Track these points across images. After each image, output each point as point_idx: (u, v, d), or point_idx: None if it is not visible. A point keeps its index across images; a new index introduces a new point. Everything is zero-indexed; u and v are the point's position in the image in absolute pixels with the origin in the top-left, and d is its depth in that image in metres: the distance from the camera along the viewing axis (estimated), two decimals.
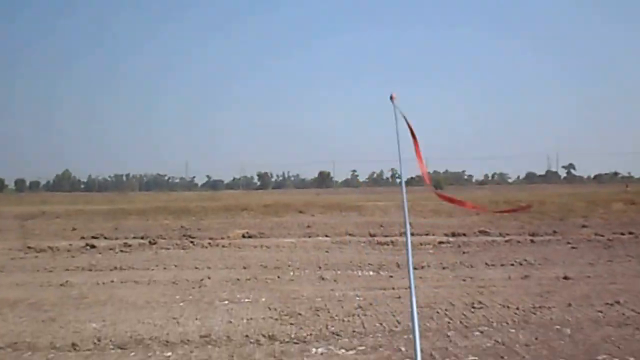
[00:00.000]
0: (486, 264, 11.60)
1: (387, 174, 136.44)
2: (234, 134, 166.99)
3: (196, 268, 11.12)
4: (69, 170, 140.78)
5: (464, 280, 9.85)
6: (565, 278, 9.92)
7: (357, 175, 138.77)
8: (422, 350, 5.72)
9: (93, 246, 14.74)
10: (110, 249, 14.38)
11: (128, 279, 9.91)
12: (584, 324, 6.74)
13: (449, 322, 6.81)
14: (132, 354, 5.77)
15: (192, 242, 15.50)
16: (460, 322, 6.83)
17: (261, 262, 11.90)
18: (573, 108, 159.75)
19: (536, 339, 6.15)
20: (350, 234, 17.34)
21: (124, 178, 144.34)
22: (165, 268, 11.17)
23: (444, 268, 11.20)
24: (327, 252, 13.80)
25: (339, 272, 10.70)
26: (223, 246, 14.84)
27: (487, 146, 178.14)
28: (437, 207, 21.22)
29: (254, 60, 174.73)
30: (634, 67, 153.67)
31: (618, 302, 7.81)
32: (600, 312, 7.32)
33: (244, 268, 11.11)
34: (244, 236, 17.05)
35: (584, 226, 18.51)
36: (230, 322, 6.87)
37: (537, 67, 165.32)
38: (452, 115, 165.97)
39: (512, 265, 11.54)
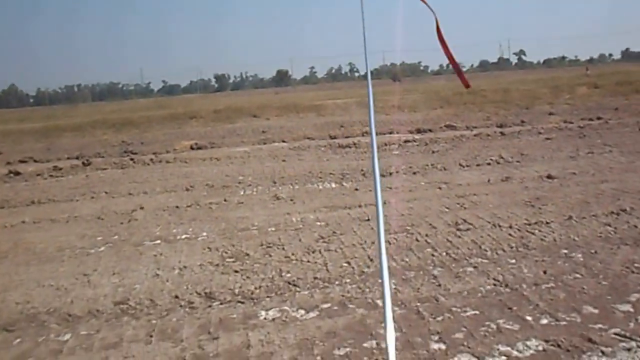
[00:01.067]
0: (460, 165, 10.09)
1: (346, 69, 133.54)
2: (188, 38, 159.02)
3: (130, 194, 9.28)
4: (14, 84, 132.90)
5: (439, 188, 8.32)
6: (550, 177, 8.52)
7: (315, 72, 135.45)
8: (404, 304, 4.21)
9: (18, 173, 12.67)
10: (38, 175, 12.36)
11: (44, 216, 8.03)
12: (595, 245, 5.28)
13: (432, 255, 5.27)
14: (17, 340, 4.08)
15: (132, 159, 13.54)
16: (447, 252, 5.30)
17: (208, 179, 10.14)
18: None
19: (544, 272, 4.67)
20: (309, 138, 15.63)
21: (76, 89, 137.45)
22: (93, 197, 9.29)
23: (414, 173, 9.66)
24: (283, 160, 12.11)
25: (296, 187, 9.05)
26: (167, 162, 12.98)
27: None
28: (399, 102, 19.55)
29: None
30: None
31: (624, 210, 6.38)
32: (609, 225, 5.88)
33: (187, 190, 9.34)
34: (192, 148, 15.17)
35: (551, 113, 17.17)
36: (157, 274, 5.19)
37: None
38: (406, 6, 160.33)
39: (489, 164, 10.07)
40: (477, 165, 10.03)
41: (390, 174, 9.63)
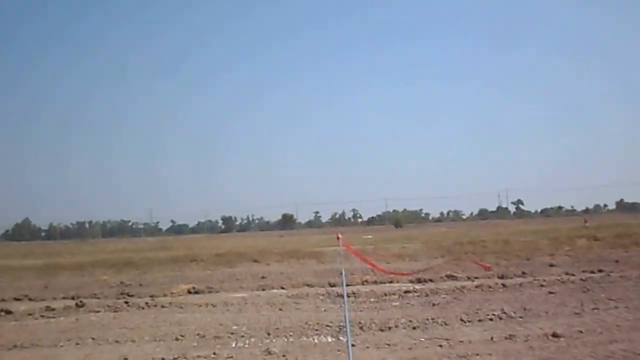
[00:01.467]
0: (461, 320, 9.62)
1: (349, 214, 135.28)
2: (197, 180, 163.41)
3: (117, 342, 8.78)
4: (28, 218, 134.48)
5: (440, 345, 7.84)
6: (555, 336, 8.07)
7: (319, 217, 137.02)
8: None
9: (9, 312, 12.22)
10: (29, 314, 11.92)
11: None
12: None
13: None
14: None
15: (127, 302, 13.08)
16: None
17: (200, 328, 9.64)
18: (519, 148, 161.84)
19: None
20: (308, 284, 15.23)
21: (87, 225, 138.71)
22: (78, 344, 8.79)
23: (414, 328, 9.18)
24: (280, 309, 11.65)
25: (291, 340, 8.56)
26: (162, 306, 12.52)
27: (441, 185, 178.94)
28: (400, 250, 19.35)
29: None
30: (575, 106, 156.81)
31: None
32: None
33: (177, 339, 8.83)
34: (189, 292, 14.75)
35: (552, 265, 16.88)
36: None
37: (488, 111, 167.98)
38: (412, 157, 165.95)
39: (491, 319, 9.60)
40: (479, 320, 9.56)
41: (390, 328, 9.16)
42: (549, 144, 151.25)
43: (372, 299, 12.66)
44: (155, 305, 12.75)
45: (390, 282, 15.21)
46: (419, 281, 15.11)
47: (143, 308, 12.62)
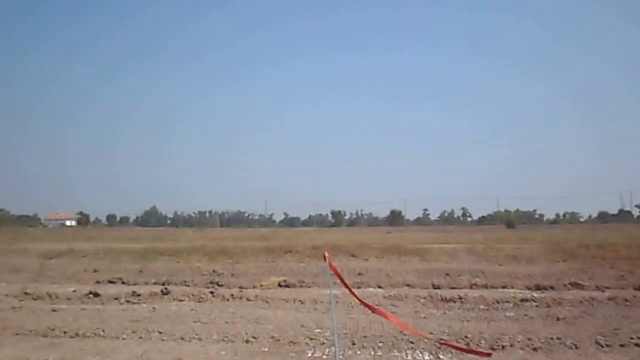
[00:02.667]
0: (597, 342, 7.42)
1: (458, 213, 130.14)
2: (308, 175, 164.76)
3: (182, 339, 7.54)
4: (156, 206, 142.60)
5: None
6: None
7: (428, 214, 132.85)
8: None
9: (97, 294, 11.56)
10: (115, 299, 11.18)
11: (71, 356, 6.47)
12: None
13: None
14: None
15: (212, 293, 11.97)
16: None
17: (279, 328, 8.22)
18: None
19: None
20: (408, 285, 13.40)
21: (207, 215, 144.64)
22: (142, 337, 7.66)
23: (535, 349, 7.14)
24: (372, 313, 9.97)
25: (378, 354, 6.89)
26: (248, 299, 11.29)
27: (557, 185, 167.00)
28: (515, 251, 16.87)
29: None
30: None
31: None
32: None
33: (247, 341, 7.44)
34: (280, 285, 13.46)
35: None
36: None
37: (616, 105, 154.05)
38: (522, 154, 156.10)
39: (637, 345, 7.31)
40: (621, 345, 7.31)
41: (503, 347, 7.19)
42: None
43: (482, 306, 10.64)
44: (240, 298, 11.56)
45: (504, 287, 13.01)
46: (537, 288, 12.80)
47: (228, 300, 11.48)
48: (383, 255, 16.87)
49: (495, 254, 16.35)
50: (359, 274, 14.62)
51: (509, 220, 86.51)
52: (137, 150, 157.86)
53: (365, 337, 7.78)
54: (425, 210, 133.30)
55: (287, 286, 13.37)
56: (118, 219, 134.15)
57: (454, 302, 11.10)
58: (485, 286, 13.24)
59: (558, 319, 9.16)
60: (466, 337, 7.82)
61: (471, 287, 13.12)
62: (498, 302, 10.85)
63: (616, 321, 8.88)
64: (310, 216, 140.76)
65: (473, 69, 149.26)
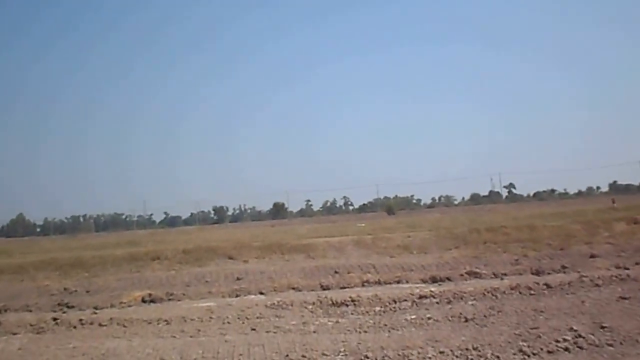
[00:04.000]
0: (521, 351, 6.13)
1: (340, 202, 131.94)
2: (189, 171, 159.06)
3: None
4: (22, 213, 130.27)
5: None
6: None
7: (311, 205, 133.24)
8: None
9: None
10: None
11: None
12: None
13: None
14: None
15: (55, 320, 9.46)
16: None
17: None
18: (508, 129, 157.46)
19: None
20: (294, 288, 11.75)
21: (81, 219, 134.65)
22: None
23: None
24: (253, 329, 8.14)
25: None
26: (101, 324, 9.06)
27: (432, 170, 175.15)
28: (405, 240, 15.76)
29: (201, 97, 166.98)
30: (565, 83, 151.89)
31: None
32: None
33: None
34: (144, 300, 11.24)
35: (593, 256, 13.45)
36: None
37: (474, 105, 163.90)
38: (399, 142, 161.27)
39: (567, 350, 6.14)
40: (549, 352, 6.09)
41: None
42: (537, 125, 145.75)
43: (378, 308, 9.21)
44: (91, 324, 9.26)
45: (398, 281, 11.76)
46: (434, 280, 11.69)
47: (74, 327, 9.16)
48: (264, 254, 15.04)
49: (385, 245, 15.14)
50: (238, 279, 12.73)
51: (389, 207, 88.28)
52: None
53: None
54: (308, 201, 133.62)
55: (152, 301, 11.21)
56: None
57: (347, 305, 9.57)
58: (379, 282, 11.92)
59: (466, 320, 7.90)
60: (366, 356, 6.26)
61: (363, 285, 11.77)
62: (395, 302, 9.51)
63: (530, 318, 7.76)
64: (192, 214, 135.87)
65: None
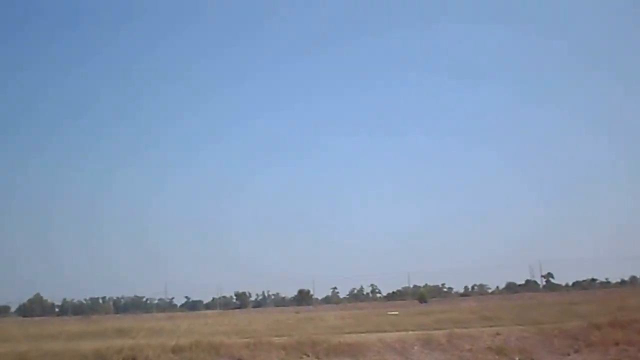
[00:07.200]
0: None
1: (368, 289, 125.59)
2: (211, 256, 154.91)
3: None
4: (39, 293, 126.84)
5: None
6: None
7: (337, 292, 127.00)
8: None
9: None
10: None
11: None
12: None
13: None
14: None
15: None
16: None
17: None
18: (546, 218, 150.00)
19: None
20: None
21: (100, 301, 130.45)
22: None
23: None
24: None
25: None
26: None
27: (464, 258, 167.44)
28: (495, 340, 10.77)
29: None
30: (599, 170, 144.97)
31: None
32: None
33: None
34: None
35: None
36: None
37: (509, 182, 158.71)
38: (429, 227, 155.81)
39: None
40: None
41: None
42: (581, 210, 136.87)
43: None
44: None
45: None
46: None
47: None
48: (290, 356, 10.12)
49: (469, 347, 10.14)
50: None
51: (421, 295, 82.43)
52: (17, 230, 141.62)
53: None
54: (334, 288, 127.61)
55: None
56: None
57: None
58: None
59: None
60: None
61: None
62: None
63: None
64: (213, 299, 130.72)
65: None
